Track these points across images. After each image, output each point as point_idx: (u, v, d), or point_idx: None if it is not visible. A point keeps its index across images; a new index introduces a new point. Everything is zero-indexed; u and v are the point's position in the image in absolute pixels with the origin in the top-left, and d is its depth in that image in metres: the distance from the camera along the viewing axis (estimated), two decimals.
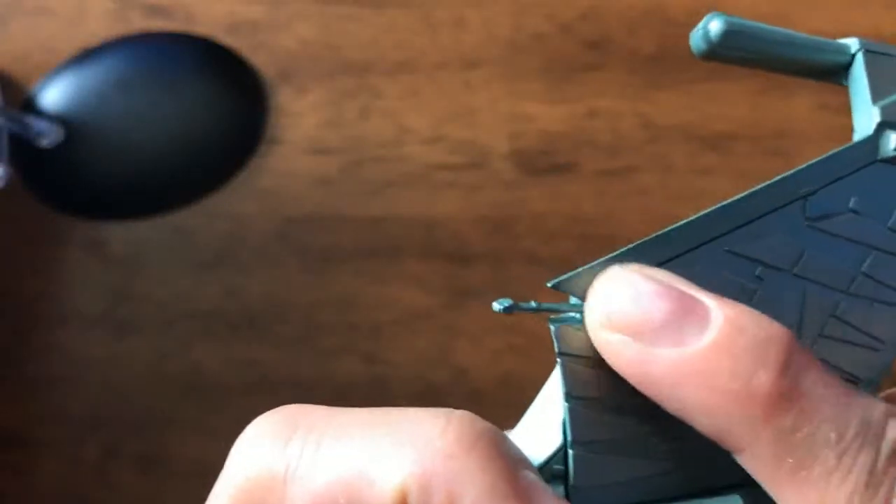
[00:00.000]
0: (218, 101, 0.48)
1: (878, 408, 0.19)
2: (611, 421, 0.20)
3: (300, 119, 0.48)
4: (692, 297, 0.19)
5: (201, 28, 0.48)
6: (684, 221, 0.20)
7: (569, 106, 0.49)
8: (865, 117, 0.22)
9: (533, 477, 0.18)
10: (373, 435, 0.18)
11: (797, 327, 0.21)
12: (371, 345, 0.47)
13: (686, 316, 0.18)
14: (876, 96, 0.22)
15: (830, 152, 0.22)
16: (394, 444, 0.18)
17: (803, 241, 0.21)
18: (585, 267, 0.20)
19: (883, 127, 0.22)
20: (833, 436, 0.18)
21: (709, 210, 0.21)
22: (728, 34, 0.22)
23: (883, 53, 0.23)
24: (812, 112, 0.48)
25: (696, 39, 0.22)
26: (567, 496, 0.19)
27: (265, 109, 0.48)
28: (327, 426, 0.19)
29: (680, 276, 0.19)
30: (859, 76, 0.23)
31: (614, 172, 0.47)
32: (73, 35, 0.47)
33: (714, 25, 0.22)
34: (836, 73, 0.23)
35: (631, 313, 0.19)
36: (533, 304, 0.20)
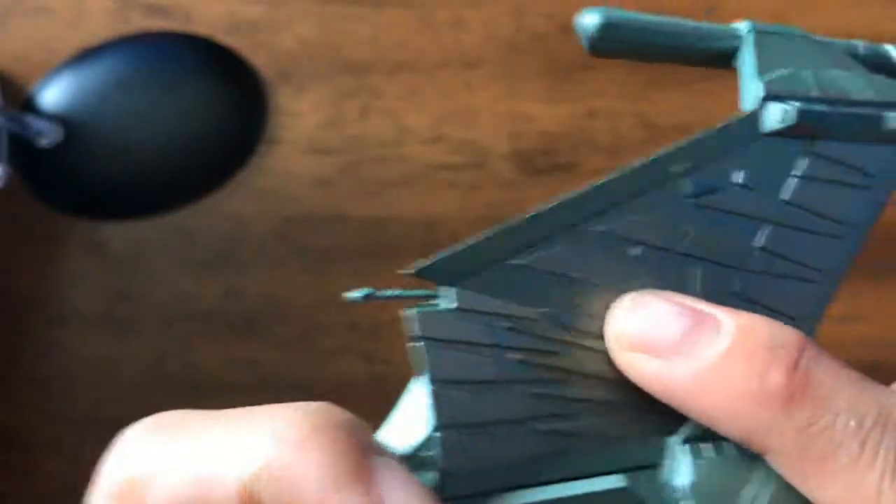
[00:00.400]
0: (218, 101, 0.48)
1: (892, 394, 0.19)
2: (481, 403, 0.19)
3: (300, 119, 0.48)
4: (704, 312, 0.20)
5: (201, 28, 0.48)
6: (554, 203, 0.20)
7: (569, 106, 0.49)
8: (750, 93, 0.22)
9: (386, 462, 0.18)
10: (225, 434, 0.18)
11: None
12: (371, 345, 0.47)
13: (699, 330, 0.19)
14: (763, 71, 0.22)
15: (710, 129, 0.21)
16: (242, 441, 0.18)
17: (685, 219, 0.21)
18: (443, 253, 0.20)
19: (766, 100, 0.22)
20: (853, 424, 0.18)
21: (580, 191, 0.20)
22: (606, 27, 0.21)
23: (773, 33, 0.23)
24: None
25: (580, 35, 0.22)
26: (441, 482, 0.19)
27: (265, 109, 0.48)
28: (189, 429, 0.19)
29: (686, 296, 0.20)
30: (748, 56, 0.22)
31: None
32: (73, 35, 0.47)
33: (590, 19, 0.21)
34: (729, 57, 0.23)
35: (649, 333, 0.20)
36: (391, 291, 0.20)
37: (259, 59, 0.48)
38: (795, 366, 0.19)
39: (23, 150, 0.46)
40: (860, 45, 0.23)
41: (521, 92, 0.49)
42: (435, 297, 0.20)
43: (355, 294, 0.20)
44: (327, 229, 0.48)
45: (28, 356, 0.48)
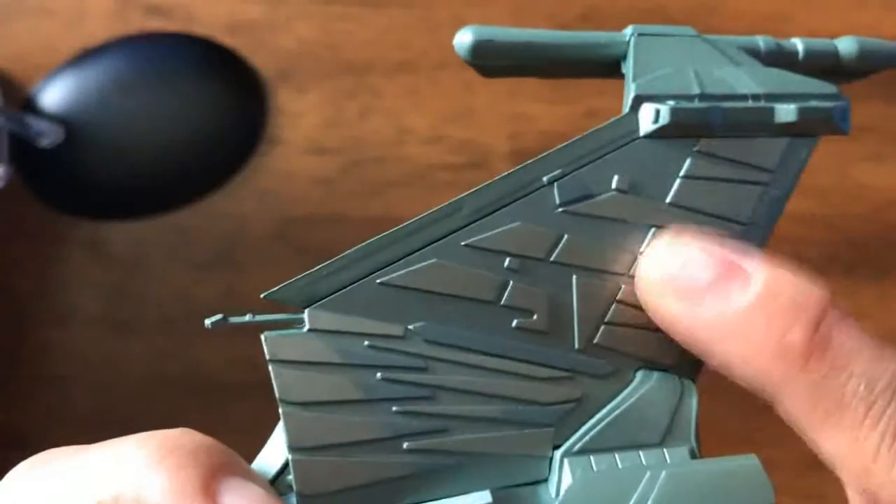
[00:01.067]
0: (218, 101, 0.48)
1: None
2: (335, 424, 0.19)
3: (300, 119, 0.48)
4: (735, 263, 0.20)
5: (201, 28, 0.48)
6: (417, 218, 0.20)
7: (569, 106, 0.49)
8: (627, 97, 0.21)
9: (237, 483, 0.18)
10: (83, 465, 0.19)
11: (571, 317, 0.20)
12: None
13: (729, 279, 0.20)
14: (638, 74, 0.21)
15: (582, 134, 0.21)
16: (97, 469, 0.19)
17: (559, 228, 0.20)
18: (297, 278, 0.19)
19: (639, 101, 0.21)
20: (863, 388, 0.19)
21: (443, 205, 0.20)
22: (480, 45, 0.21)
23: (660, 35, 0.22)
24: None
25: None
26: None
27: (265, 109, 0.48)
28: (56, 464, 0.20)
29: (725, 239, 0.21)
30: (629, 61, 0.21)
31: None
32: (73, 35, 0.47)
33: (464, 38, 0.21)
34: (618, 65, 0.22)
35: (681, 277, 0.20)
36: (247, 316, 0.19)
37: (259, 59, 0.48)
38: (817, 326, 0.19)
39: (23, 150, 0.46)
40: (761, 40, 0.22)
41: (521, 92, 0.49)
42: (299, 320, 0.19)
43: (208, 321, 0.20)
44: (327, 229, 0.48)
45: (28, 356, 0.48)
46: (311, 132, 0.48)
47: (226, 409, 0.47)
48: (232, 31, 0.48)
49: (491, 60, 0.21)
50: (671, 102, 0.21)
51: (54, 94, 0.46)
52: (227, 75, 0.48)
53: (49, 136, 0.46)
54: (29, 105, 0.47)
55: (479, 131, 0.48)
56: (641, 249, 0.21)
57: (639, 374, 0.21)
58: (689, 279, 0.20)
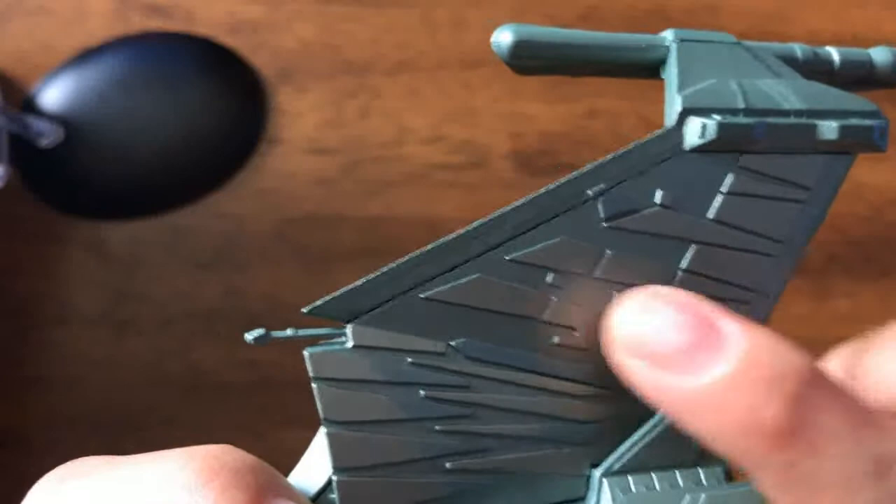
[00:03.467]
0: (218, 101, 0.48)
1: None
2: (379, 443, 0.19)
3: (300, 119, 0.48)
4: (713, 328, 0.18)
5: (201, 28, 0.48)
6: (461, 231, 0.19)
7: (569, 106, 0.49)
8: (671, 108, 0.21)
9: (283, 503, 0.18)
10: (122, 483, 0.18)
11: None
12: None
13: (703, 346, 0.18)
14: (683, 85, 0.20)
15: (627, 147, 0.20)
16: (139, 489, 0.18)
17: (602, 243, 0.20)
18: (339, 292, 0.19)
19: (686, 114, 0.20)
20: (841, 473, 0.17)
21: (488, 218, 0.19)
22: (519, 45, 0.20)
23: (701, 41, 0.21)
24: None
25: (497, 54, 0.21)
26: None
27: (265, 109, 0.48)
28: (90, 480, 0.19)
29: (703, 301, 0.19)
30: (671, 68, 0.21)
31: None
32: (73, 35, 0.47)
33: (504, 38, 0.21)
34: (657, 68, 0.21)
35: (650, 341, 0.19)
36: (289, 331, 0.19)
37: (259, 59, 0.48)
38: (795, 402, 0.17)
39: (23, 150, 0.46)
40: (798, 48, 0.22)
41: (521, 92, 0.49)
42: (340, 334, 0.19)
43: (249, 336, 0.19)
44: (327, 229, 0.48)
45: (28, 356, 0.48)
46: (311, 132, 0.48)
47: (226, 409, 0.47)
48: (232, 31, 0.48)
49: (529, 60, 0.21)
50: (717, 117, 0.20)
51: (54, 94, 0.46)
52: (227, 75, 0.48)
53: (49, 136, 0.46)
54: (29, 105, 0.47)
55: (479, 131, 0.48)
56: (682, 265, 0.20)
57: None
58: (659, 343, 0.18)
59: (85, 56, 0.47)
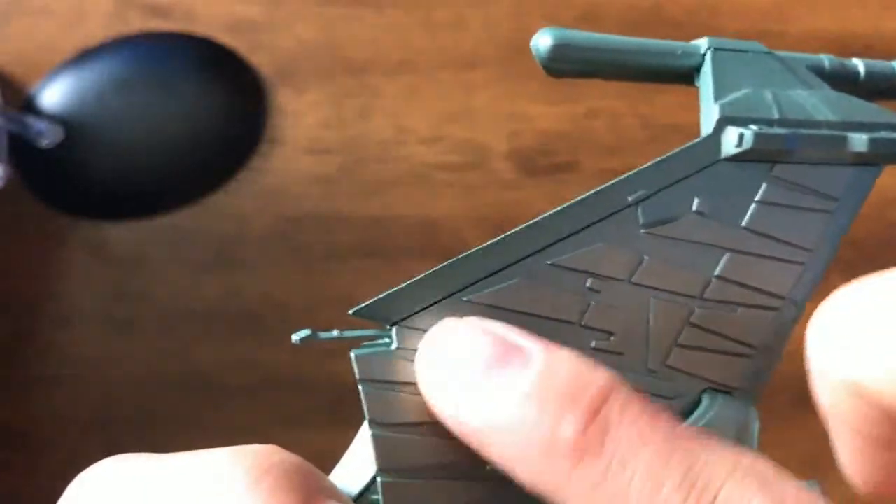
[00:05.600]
0: (218, 101, 0.48)
1: (708, 451, 0.17)
2: (422, 446, 0.19)
3: (300, 119, 0.48)
4: (511, 348, 0.18)
5: (201, 28, 0.48)
6: (503, 236, 0.20)
7: (569, 106, 0.49)
8: (708, 117, 0.21)
9: None
10: (169, 481, 0.18)
11: (645, 338, 0.21)
12: None
13: (501, 366, 0.18)
14: (720, 94, 0.21)
15: (665, 155, 0.21)
16: (189, 488, 0.18)
17: (640, 249, 0.20)
18: (388, 292, 0.19)
19: (723, 123, 0.21)
20: (648, 488, 0.16)
21: (529, 223, 0.20)
22: (557, 48, 0.21)
23: (735, 50, 0.22)
24: None
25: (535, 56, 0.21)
26: None
27: (265, 109, 0.48)
28: (132, 479, 0.19)
29: (507, 324, 0.19)
30: (706, 76, 0.22)
31: (614, 172, 0.47)
32: (73, 35, 0.47)
33: (543, 41, 0.21)
34: (690, 75, 0.22)
35: (449, 363, 0.18)
36: (335, 332, 0.19)
37: (259, 59, 0.48)
38: (594, 415, 0.17)
39: (23, 150, 0.46)
40: (826, 59, 0.22)
41: (521, 92, 0.49)
42: (385, 335, 0.19)
43: (296, 337, 0.20)
44: (327, 229, 0.48)
45: (28, 356, 0.48)
46: (311, 132, 0.48)
47: (226, 409, 0.47)
48: (232, 30, 0.48)
49: (565, 64, 0.21)
50: (753, 127, 0.21)
51: (54, 94, 0.46)
52: (227, 75, 0.48)
53: (48, 136, 0.46)
54: (28, 105, 0.47)
55: (478, 131, 0.48)
56: (716, 272, 0.21)
57: (705, 397, 0.21)
58: (457, 366, 0.18)
59: (84, 56, 0.47)
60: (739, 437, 0.21)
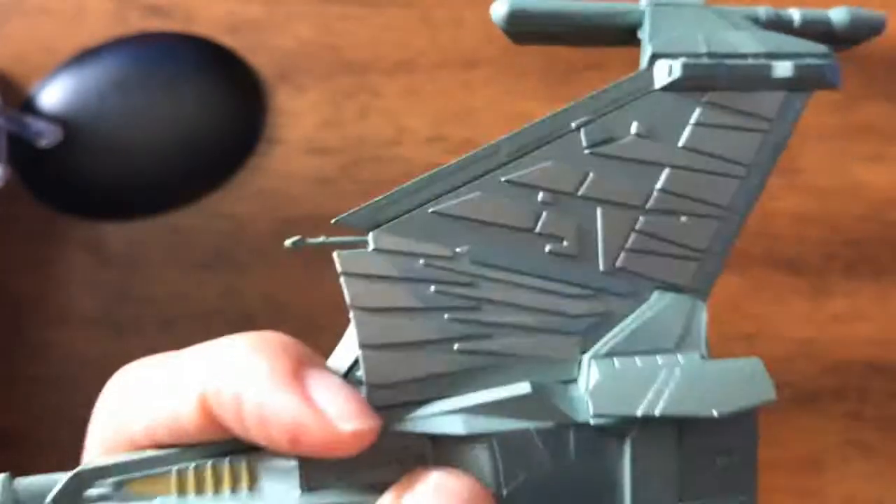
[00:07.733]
0: (217, 101, 0.48)
1: None
2: (398, 326, 0.22)
3: (299, 119, 0.48)
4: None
5: (200, 28, 0.48)
6: (463, 157, 0.23)
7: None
8: (644, 56, 0.24)
9: (319, 372, 0.21)
10: (181, 362, 0.22)
11: (595, 244, 0.23)
12: None
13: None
14: (653, 37, 0.24)
15: (604, 87, 0.24)
16: (191, 367, 0.22)
17: (585, 166, 0.23)
18: (362, 206, 0.23)
19: (655, 58, 0.24)
20: None
21: (486, 145, 0.23)
22: (513, 13, 0.24)
23: (672, 4, 0.24)
24: (811, 113, 0.48)
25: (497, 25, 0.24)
26: (367, 395, 0.22)
27: (264, 109, 0.48)
28: (159, 363, 0.23)
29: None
30: (644, 26, 0.24)
31: None
32: (73, 35, 0.47)
33: (499, 8, 0.24)
34: (634, 32, 0.24)
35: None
36: (321, 238, 0.24)
37: (259, 59, 0.48)
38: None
39: (23, 150, 0.46)
40: (761, 10, 0.25)
41: (521, 91, 0.49)
42: (363, 242, 0.23)
43: (288, 242, 0.24)
44: (327, 229, 0.48)
45: (27, 356, 0.48)
46: (311, 132, 0.48)
47: None
48: (231, 31, 0.48)
49: (523, 27, 0.24)
50: (682, 59, 0.24)
51: (53, 95, 0.46)
52: (227, 75, 0.48)
53: (48, 136, 0.46)
54: (28, 105, 0.47)
55: (478, 131, 0.49)
56: (657, 186, 0.23)
57: (655, 294, 0.24)
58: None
59: (84, 56, 0.47)
60: (688, 324, 0.23)
